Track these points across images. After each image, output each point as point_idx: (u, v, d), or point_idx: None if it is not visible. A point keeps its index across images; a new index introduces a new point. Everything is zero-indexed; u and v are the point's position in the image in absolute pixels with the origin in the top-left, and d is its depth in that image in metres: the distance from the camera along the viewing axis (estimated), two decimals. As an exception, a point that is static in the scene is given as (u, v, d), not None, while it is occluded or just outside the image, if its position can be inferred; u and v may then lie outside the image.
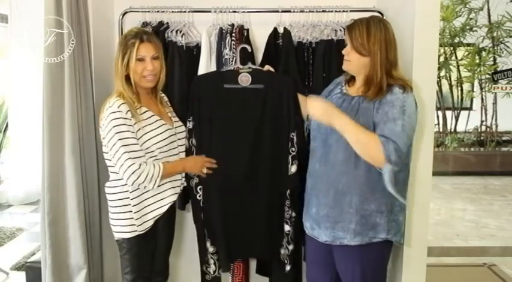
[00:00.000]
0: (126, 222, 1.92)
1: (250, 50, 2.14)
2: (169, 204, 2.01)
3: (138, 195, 1.92)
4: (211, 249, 2.15)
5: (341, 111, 1.74)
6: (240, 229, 2.13)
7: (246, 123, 2.09)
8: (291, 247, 2.13)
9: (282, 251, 2.15)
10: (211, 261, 2.16)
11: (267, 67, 2.14)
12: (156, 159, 1.91)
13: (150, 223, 1.96)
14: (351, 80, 1.91)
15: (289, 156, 2.07)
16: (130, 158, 1.81)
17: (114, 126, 1.81)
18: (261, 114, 2.08)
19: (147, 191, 1.93)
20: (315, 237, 1.90)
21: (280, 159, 2.08)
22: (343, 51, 1.84)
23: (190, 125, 2.10)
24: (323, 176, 1.85)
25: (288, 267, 2.16)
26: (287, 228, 2.12)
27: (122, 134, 1.81)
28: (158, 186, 1.91)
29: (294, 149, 2.06)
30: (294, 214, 2.10)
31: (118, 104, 1.83)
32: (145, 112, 1.92)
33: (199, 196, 2.13)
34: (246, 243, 2.15)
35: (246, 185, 2.10)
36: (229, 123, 2.08)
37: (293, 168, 2.07)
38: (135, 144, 1.84)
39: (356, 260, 1.82)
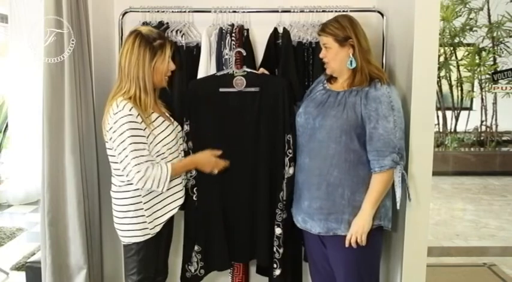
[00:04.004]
0: (138, 226, 1.91)
1: (244, 54, 2.15)
2: (179, 206, 2.02)
3: (151, 199, 1.92)
4: (196, 248, 2.16)
5: (365, 208, 1.84)
6: (237, 231, 2.14)
7: (241, 126, 2.10)
8: (281, 250, 2.12)
9: (273, 255, 2.14)
10: (195, 260, 2.17)
11: (261, 70, 2.16)
12: (165, 159, 1.92)
13: (161, 225, 1.96)
14: (332, 78, 1.98)
15: (287, 159, 2.07)
16: (137, 164, 1.79)
17: (127, 130, 1.79)
18: (257, 117, 2.09)
19: (158, 194, 1.93)
20: (308, 229, 1.95)
21: (277, 161, 2.08)
22: (320, 55, 1.95)
23: (187, 127, 2.11)
24: (314, 169, 1.89)
25: (277, 272, 2.14)
26: (278, 231, 2.11)
27: (133, 138, 1.80)
28: (169, 189, 1.93)
29: (290, 151, 2.06)
30: (285, 216, 2.10)
31: (129, 107, 1.81)
32: (157, 118, 1.92)
33: (195, 197, 2.13)
34: (244, 246, 2.16)
35: (244, 188, 2.12)
36: (225, 127, 2.10)
37: (291, 170, 2.06)
38: (144, 149, 1.83)
39: (350, 250, 1.85)
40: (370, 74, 1.85)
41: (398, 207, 1.90)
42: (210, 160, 2.03)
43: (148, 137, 1.85)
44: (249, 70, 2.11)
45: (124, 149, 1.80)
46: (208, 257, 2.18)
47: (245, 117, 2.10)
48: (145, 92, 1.86)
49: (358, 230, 1.82)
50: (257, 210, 2.12)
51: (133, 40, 1.86)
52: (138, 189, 1.89)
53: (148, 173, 1.81)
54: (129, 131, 1.79)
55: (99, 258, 2.41)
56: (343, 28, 1.85)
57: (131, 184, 1.90)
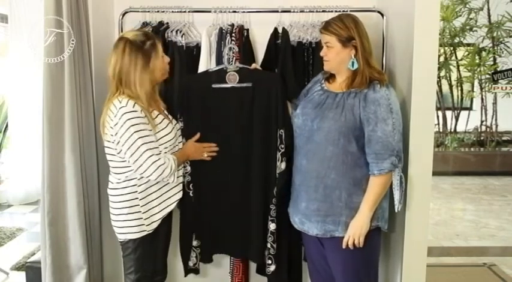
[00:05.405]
0: (135, 222, 1.93)
1: (236, 50, 2.17)
2: (176, 202, 2.04)
3: (147, 196, 1.94)
4: (195, 243, 2.20)
5: (363, 211, 1.83)
6: (230, 227, 2.17)
7: (235, 122, 2.11)
8: (275, 246, 2.13)
9: (267, 251, 2.15)
10: (194, 254, 2.20)
11: (253, 65, 2.18)
12: None
13: (158, 222, 1.98)
14: (331, 76, 1.98)
15: (279, 153, 2.08)
16: (153, 154, 1.85)
17: (132, 125, 1.82)
18: (250, 112, 2.10)
19: (155, 191, 1.95)
20: (305, 231, 1.95)
21: (269, 156, 2.10)
22: (321, 53, 1.93)
23: (181, 125, 2.12)
24: (312, 171, 1.89)
25: (272, 268, 2.15)
26: (273, 226, 2.12)
27: (141, 132, 1.84)
28: (165, 184, 1.97)
29: (282, 146, 2.08)
30: (279, 212, 2.11)
31: (132, 103, 1.84)
32: (157, 115, 1.95)
33: (192, 193, 2.15)
34: (238, 241, 2.18)
35: (237, 184, 2.13)
36: (218, 123, 2.12)
37: (282, 165, 2.08)
38: (154, 141, 1.88)
39: (348, 251, 1.85)
40: (370, 77, 1.84)
41: (397, 210, 1.90)
42: (195, 147, 2.09)
43: (151, 131, 1.88)
44: (241, 66, 2.12)
45: (133, 143, 1.83)
46: (206, 251, 2.21)
47: (238, 113, 2.11)
48: (143, 98, 1.87)
49: (356, 232, 1.82)
50: (250, 206, 2.14)
51: (123, 49, 1.86)
52: (135, 185, 1.92)
53: (161, 162, 1.86)
54: (134, 126, 1.82)
55: (99, 258, 2.41)
56: (347, 28, 1.84)
57: (128, 181, 1.92)
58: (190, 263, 2.22)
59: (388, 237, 2.21)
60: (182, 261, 2.23)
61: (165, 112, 2.05)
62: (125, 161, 1.89)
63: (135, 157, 1.84)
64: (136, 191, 1.92)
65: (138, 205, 1.92)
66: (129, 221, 1.93)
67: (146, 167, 1.84)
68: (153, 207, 1.96)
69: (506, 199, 5.59)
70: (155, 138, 1.89)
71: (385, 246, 2.22)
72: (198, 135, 2.10)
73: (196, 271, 2.25)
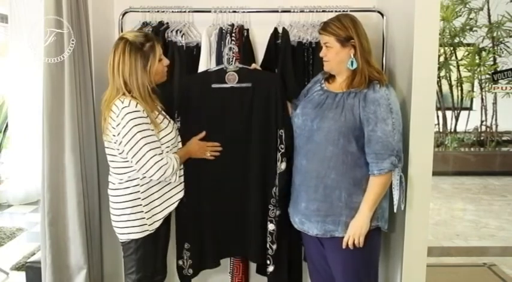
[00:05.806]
0: (137, 222, 1.93)
1: (236, 50, 2.17)
2: (178, 202, 2.04)
3: (149, 196, 1.94)
4: (186, 245, 2.18)
5: (363, 210, 1.83)
6: (229, 227, 2.16)
7: (234, 121, 2.11)
8: (274, 247, 2.13)
9: (265, 251, 2.14)
10: (185, 257, 2.18)
11: (253, 65, 2.18)
12: None
13: (160, 222, 1.98)
14: (330, 77, 1.98)
15: (278, 154, 2.08)
16: (156, 154, 1.86)
17: (135, 125, 1.82)
18: (249, 113, 2.10)
19: (157, 190, 1.96)
20: (305, 231, 1.95)
21: (269, 156, 2.10)
22: (321, 54, 1.93)
23: (178, 124, 2.12)
24: (312, 171, 1.89)
25: (271, 268, 2.14)
26: (271, 227, 2.12)
27: (143, 132, 1.84)
28: (167, 184, 1.97)
29: (282, 146, 2.07)
30: (278, 213, 2.11)
31: (134, 103, 1.84)
32: (157, 116, 1.95)
33: (184, 192, 2.13)
34: (235, 242, 2.18)
35: (235, 184, 2.13)
36: (217, 123, 2.11)
37: (282, 166, 2.08)
38: (156, 141, 1.88)
39: (348, 251, 1.85)
40: (370, 76, 1.84)
41: (395, 210, 1.90)
42: (199, 145, 2.08)
43: (153, 131, 1.88)
44: (241, 66, 2.12)
45: (136, 143, 1.83)
46: (197, 254, 2.18)
47: (237, 113, 2.11)
48: (144, 99, 1.87)
49: (356, 232, 1.82)
50: (249, 206, 2.13)
51: (122, 49, 1.86)
52: (137, 185, 1.92)
53: (164, 162, 1.87)
54: (137, 126, 1.83)
55: (99, 258, 2.41)
56: (346, 28, 1.84)
57: (131, 181, 1.92)
58: (185, 265, 2.19)
59: (388, 237, 2.21)
60: (177, 264, 2.20)
61: (163, 112, 2.05)
62: (127, 161, 1.89)
63: (138, 157, 1.84)
64: (139, 191, 1.92)
65: (141, 205, 1.92)
66: (131, 221, 1.93)
67: (149, 167, 1.85)
68: (155, 207, 1.96)
69: (506, 199, 5.59)
70: (157, 138, 1.89)
71: (385, 246, 2.22)
72: (203, 134, 2.09)
73: (187, 279, 2.20)
